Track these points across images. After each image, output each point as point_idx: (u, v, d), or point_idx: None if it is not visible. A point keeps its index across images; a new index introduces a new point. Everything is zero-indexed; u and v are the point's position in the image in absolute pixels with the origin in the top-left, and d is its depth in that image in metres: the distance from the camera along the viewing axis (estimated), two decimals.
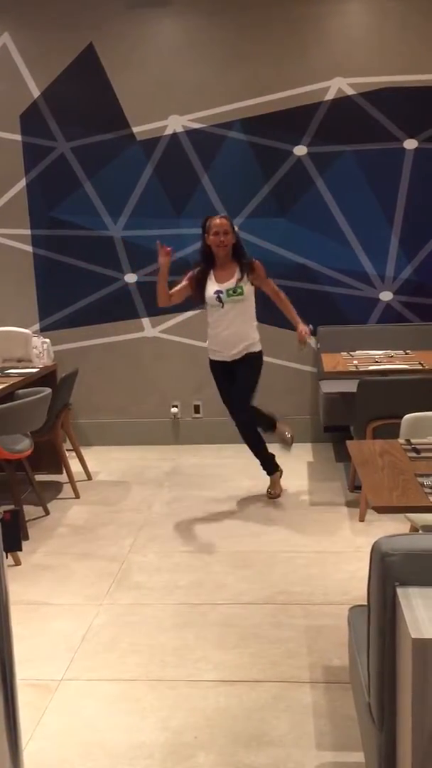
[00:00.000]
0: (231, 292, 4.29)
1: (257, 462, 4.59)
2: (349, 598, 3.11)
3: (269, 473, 4.58)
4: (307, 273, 5.58)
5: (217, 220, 4.29)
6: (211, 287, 4.31)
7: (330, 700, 2.50)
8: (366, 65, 5.31)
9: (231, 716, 2.44)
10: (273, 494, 4.52)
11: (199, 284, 4.36)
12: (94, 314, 5.76)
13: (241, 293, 4.29)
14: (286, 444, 4.62)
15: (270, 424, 4.58)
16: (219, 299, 4.29)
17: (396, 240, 5.49)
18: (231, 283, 4.30)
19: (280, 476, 4.63)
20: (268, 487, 4.56)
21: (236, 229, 4.46)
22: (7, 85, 5.53)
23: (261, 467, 4.58)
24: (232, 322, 4.33)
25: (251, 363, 4.42)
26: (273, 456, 4.60)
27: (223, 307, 4.30)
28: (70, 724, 2.44)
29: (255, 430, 4.51)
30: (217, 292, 4.29)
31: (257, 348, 4.44)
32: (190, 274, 4.44)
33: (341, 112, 5.37)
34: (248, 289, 4.33)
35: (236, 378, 4.42)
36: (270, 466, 4.58)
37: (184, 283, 4.44)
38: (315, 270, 5.58)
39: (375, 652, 1.63)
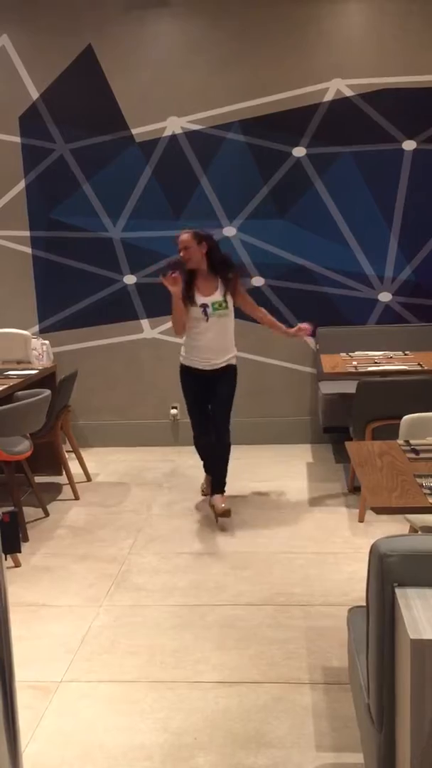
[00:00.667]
0: (217, 306, 4.16)
1: (253, 462, 4.57)
2: (348, 599, 3.12)
3: (221, 491, 4.27)
4: (306, 274, 5.59)
5: (180, 236, 4.16)
6: (198, 299, 4.16)
7: (329, 701, 2.50)
8: (364, 66, 5.32)
9: (230, 717, 2.44)
10: (223, 512, 4.15)
11: (187, 288, 4.16)
12: (94, 316, 5.76)
13: (226, 307, 4.19)
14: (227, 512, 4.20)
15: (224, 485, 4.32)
16: (205, 313, 4.15)
17: (395, 241, 5.49)
18: (216, 296, 4.17)
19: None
20: (223, 504, 4.20)
21: (210, 241, 4.21)
22: (6, 86, 5.54)
23: (216, 484, 4.29)
24: (216, 336, 4.20)
25: (231, 377, 4.29)
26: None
27: (208, 320, 4.17)
28: (69, 725, 2.44)
29: (227, 458, 4.33)
30: (204, 305, 4.15)
31: (235, 361, 4.32)
32: (174, 275, 4.11)
33: (340, 113, 5.38)
34: (231, 303, 4.23)
35: (217, 395, 4.26)
36: (222, 485, 4.30)
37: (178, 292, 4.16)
38: (314, 271, 5.58)
39: (374, 653, 1.63)
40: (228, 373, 4.28)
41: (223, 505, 4.15)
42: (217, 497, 4.22)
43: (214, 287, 4.19)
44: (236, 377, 4.34)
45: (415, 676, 1.42)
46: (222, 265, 4.20)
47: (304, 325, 4.40)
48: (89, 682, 2.68)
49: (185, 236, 4.16)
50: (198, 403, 4.32)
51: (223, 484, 4.29)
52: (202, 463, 4.52)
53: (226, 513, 4.12)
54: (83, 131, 5.55)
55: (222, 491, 4.26)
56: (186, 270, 4.16)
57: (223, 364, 4.25)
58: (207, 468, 4.49)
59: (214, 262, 4.18)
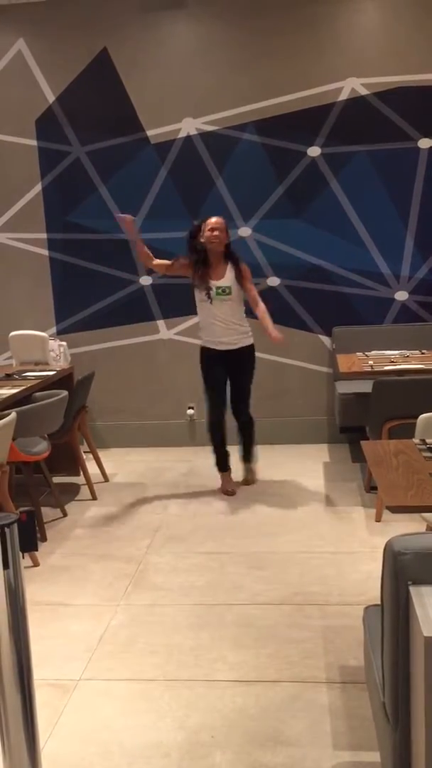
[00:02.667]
0: (219, 291, 4.51)
1: (270, 462, 4.60)
2: (365, 599, 3.11)
3: (250, 458, 4.87)
4: (322, 274, 5.58)
5: (213, 219, 4.52)
6: (204, 282, 4.51)
7: (346, 700, 2.51)
8: (379, 65, 5.31)
9: (247, 716, 2.45)
10: (252, 481, 4.87)
11: (198, 271, 4.51)
12: (110, 317, 5.79)
13: (229, 293, 4.52)
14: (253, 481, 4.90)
15: (253, 453, 4.90)
16: (208, 296, 4.50)
17: (411, 239, 5.48)
18: (222, 282, 4.51)
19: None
20: (249, 474, 4.89)
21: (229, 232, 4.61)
22: (23, 90, 5.59)
23: (248, 455, 4.86)
24: (222, 318, 4.54)
25: (248, 358, 4.64)
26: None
27: (211, 303, 4.51)
28: (87, 723, 2.46)
29: (253, 430, 4.81)
30: (208, 289, 4.50)
31: (250, 340, 4.63)
32: (180, 259, 4.60)
33: (355, 112, 5.37)
34: (236, 289, 4.53)
35: (236, 376, 4.64)
36: (226, 463, 4.80)
37: (169, 262, 4.62)
38: (330, 270, 5.58)
39: (389, 651, 1.63)
40: (243, 355, 4.61)
41: (250, 476, 4.85)
42: (247, 466, 4.86)
43: (223, 273, 4.53)
44: (254, 357, 4.66)
45: (430, 674, 1.42)
46: (233, 254, 4.59)
47: (275, 334, 4.49)
48: (107, 680, 2.70)
49: (221, 219, 4.54)
50: (219, 386, 4.64)
51: (252, 452, 4.84)
52: (214, 458, 4.76)
53: (251, 482, 4.84)
54: (99, 134, 5.59)
55: (250, 459, 4.85)
56: (201, 252, 4.49)
57: (239, 345, 4.58)
58: (218, 461, 4.77)
59: (230, 250, 4.56)
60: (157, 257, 4.66)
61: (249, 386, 4.70)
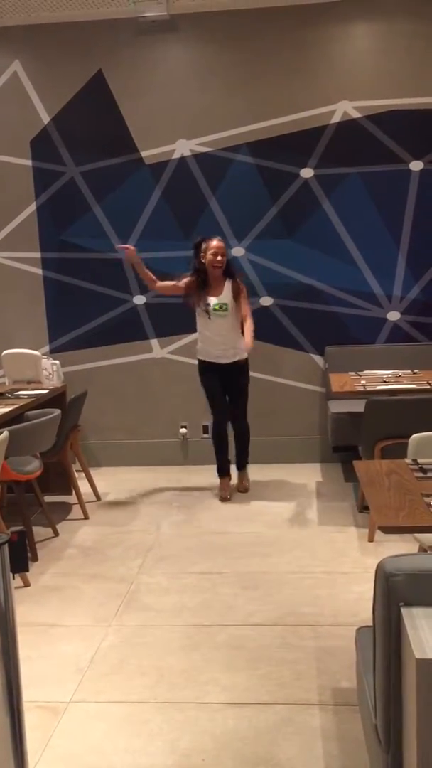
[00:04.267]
0: (217, 307, 4.77)
1: (263, 481, 4.61)
2: (358, 620, 3.10)
3: (245, 468, 5.13)
4: (315, 293, 5.61)
5: (215, 243, 4.77)
6: (204, 299, 4.78)
7: (339, 723, 2.49)
8: (371, 88, 5.38)
9: (239, 739, 2.43)
10: (246, 488, 5.09)
11: (198, 291, 4.79)
12: (104, 336, 5.80)
13: (226, 310, 4.78)
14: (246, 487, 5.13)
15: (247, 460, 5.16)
16: (207, 311, 4.76)
17: (403, 260, 5.52)
18: (219, 299, 4.77)
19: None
20: (244, 480, 5.13)
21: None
22: (18, 111, 5.63)
23: (243, 463, 5.12)
24: (220, 333, 4.79)
25: (243, 371, 4.89)
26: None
27: (210, 318, 4.77)
28: (77, 746, 2.43)
29: (248, 437, 5.08)
30: (206, 305, 4.76)
31: (245, 355, 4.84)
32: (185, 280, 4.85)
33: (347, 134, 5.43)
34: (233, 306, 4.79)
35: (234, 388, 4.91)
36: (227, 469, 5.06)
37: (173, 283, 4.89)
38: (322, 290, 5.61)
39: (381, 673, 1.62)
40: (239, 369, 4.86)
41: (245, 482, 5.08)
42: (241, 473, 5.11)
43: (221, 290, 4.78)
44: (248, 370, 4.93)
45: (422, 696, 1.42)
46: (232, 271, 4.86)
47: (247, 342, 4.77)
48: (98, 702, 2.68)
49: (222, 243, 4.81)
50: (218, 394, 4.89)
51: (246, 460, 5.10)
52: (217, 464, 5.01)
53: (246, 489, 5.08)
54: (94, 154, 5.62)
55: (245, 466, 5.10)
56: (201, 271, 4.76)
57: (236, 359, 4.81)
58: (220, 467, 5.02)
59: (228, 269, 4.82)
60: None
61: (245, 397, 4.95)
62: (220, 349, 4.82)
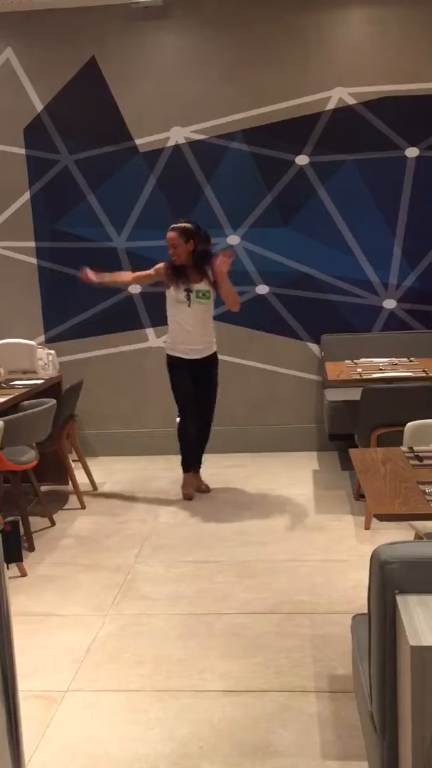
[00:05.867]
0: (200, 294, 4.59)
1: (259, 470, 4.62)
2: (354, 607, 3.11)
3: (198, 468, 4.90)
4: (311, 282, 5.60)
5: (167, 234, 4.59)
6: (183, 284, 4.58)
7: (335, 710, 2.50)
8: (367, 75, 5.34)
9: (236, 726, 2.44)
10: (205, 489, 4.87)
11: (174, 274, 4.59)
12: (99, 325, 5.78)
13: (208, 297, 4.62)
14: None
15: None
16: (188, 297, 4.56)
17: (399, 248, 5.50)
18: (201, 286, 4.59)
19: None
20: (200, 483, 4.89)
21: (198, 238, 4.59)
22: (11, 99, 5.59)
23: (198, 461, 4.89)
24: (195, 321, 4.61)
25: (214, 365, 4.74)
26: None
27: (189, 306, 4.57)
28: (74, 735, 2.44)
29: (208, 437, 4.87)
30: (187, 290, 4.56)
31: (214, 348, 4.74)
32: (159, 265, 4.70)
33: (343, 121, 5.40)
34: (213, 294, 4.65)
35: (205, 382, 4.71)
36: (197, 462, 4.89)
37: (151, 272, 4.75)
38: (318, 278, 5.59)
39: (376, 661, 1.63)
40: (210, 362, 4.71)
41: (203, 485, 4.86)
42: (198, 474, 4.87)
43: (201, 277, 4.59)
44: (217, 364, 4.77)
45: (416, 683, 1.42)
46: (205, 259, 4.59)
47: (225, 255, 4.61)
48: (95, 691, 2.68)
49: (172, 234, 4.56)
50: (187, 392, 4.69)
51: (201, 458, 4.89)
52: (181, 458, 4.83)
53: (205, 488, 4.85)
54: (87, 142, 5.59)
55: (198, 468, 4.87)
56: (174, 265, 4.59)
57: (206, 354, 4.67)
58: (186, 461, 4.83)
59: (197, 258, 4.57)
60: (145, 266, 4.73)
61: (214, 393, 4.78)
62: (191, 341, 4.60)
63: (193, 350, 4.64)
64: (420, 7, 5.25)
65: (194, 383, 4.67)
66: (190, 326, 4.60)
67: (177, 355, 4.66)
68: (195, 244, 4.55)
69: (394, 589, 1.56)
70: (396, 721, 1.59)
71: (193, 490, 4.79)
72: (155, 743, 2.37)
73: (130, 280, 4.96)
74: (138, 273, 4.90)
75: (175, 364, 4.68)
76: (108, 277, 4.86)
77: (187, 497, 4.73)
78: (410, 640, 1.42)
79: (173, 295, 4.60)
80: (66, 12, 5.43)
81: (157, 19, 5.41)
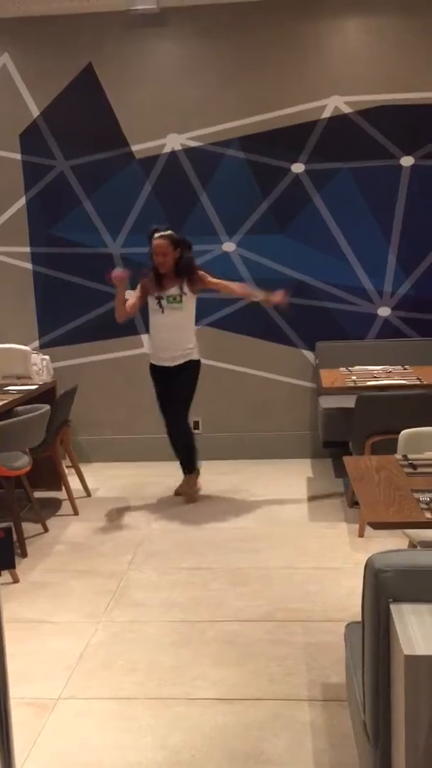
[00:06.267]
0: (171, 299, 4.59)
1: (253, 477, 4.62)
2: (348, 615, 3.10)
3: (188, 471, 4.88)
4: (306, 289, 5.60)
5: (156, 241, 4.57)
6: (156, 292, 4.62)
7: (328, 718, 2.49)
8: (362, 83, 5.37)
9: (229, 734, 2.43)
10: (186, 492, 4.84)
11: (149, 287, 4.65)
12: (94, 331, 5.78)
13: (180, 302, 4.60)
14: (190, 496, 4.85)
15: (192, 466, 4.90)
16: (159, 304, 4.59)
17: (393, 256, 5.52)
18: (172, 291, 4.59)
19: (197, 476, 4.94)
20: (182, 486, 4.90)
21: (184, 246, 4.64)
22: (7, 104, 5.59)
23: (183, 467, 4.89)
24: (170, 328, 4.62)
25: (190, 372, 4.69)
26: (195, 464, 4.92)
27: (162, 312, 4.60)
28: (66, 743, 2.42)
29: (187, 442, 4.83)
30: (158, 297, 4.59)
31: (196, 356, 4.71)
32: (141, 282, 4.72)
33: (338, 129, 5.42)
34: (188, 299, 4.62)
35: (176, 388, 4.68)
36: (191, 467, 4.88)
37: (138, 293, 4.73)
38: (313, 286, 5.60)
39: (369, 669, 1.62)
40: (187, 369, 4.67)
41: (189, 490, 4.82)
42: (184, 480, 4.87)
43: (175, 283, 4.60)
44: (197, 372, 4.73)
45: (410, 692, 1.41)
46: (186, 270, 4.62)
47: (277, 298, 4.72)
48: (87, 699, 2.67)
49: (162, 242, 4.56)
50: (165, 401, 4.74)
51: (190, 466, 4.85)
52: (179, 462, 4.89)
53: (184, 493, 4.83)
54: (83, 148, 5.59)
55: (189, 471, 4.85)
56: (153, 267, 4.61)
57: (183, 360, 4.64)
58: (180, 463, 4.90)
59: (180, 267, 4.60)
60: (139, 272, 4.77)
61: (185, 402, 4.73)
62: (166, 347, 4.62)
63: (163, 358, 4.66)
64: (416, 17, 5.28)
65: (168, 391, 4.70)
66: (163, 333, 4.63)
67: (151, 361, 4.76)
68: (181, 252, 4.60)
69: (388, 597, 1.56)
70: (389, 730, 1.58)
71: (183, 491, 4.88)
72: (147, 751, 2.36)
73: (129, 311, 4.74)
74: (132, 303, 4.71)
75: (152, 372, 4.76)
76: (122, 298, 4.70)
77: (177, 493, 4.88)
78: (404, 649, 1.42)
79: (149, 302, 4.66)
80: (63, 18, 5.44)
81: (154, 26, 5.43)
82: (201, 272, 4.70)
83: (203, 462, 5.11)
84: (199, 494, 4.89)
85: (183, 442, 4.82)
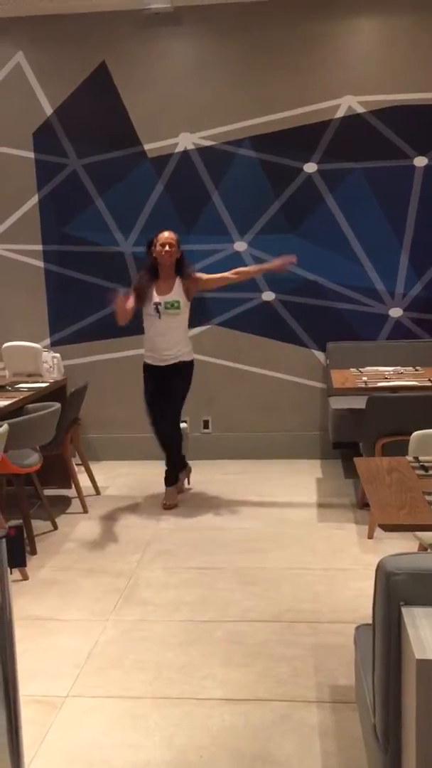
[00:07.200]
0: (168, 305, 4.58)
1: (263, 477, 4.60)
2: (357, 616, 3.09)
3: (169, 483, 4.80)
4: (317, 289, 5.59)
5: (165, 234, 4.60)
6: (154, 297, 4.59)
7: (336, 720, 2.48)
8: (376, 83, 5.35)
9: (236, 735, 2.42)
10: (168, 505, 4.72)
11: (142, 293, 4.62)
12: (104, 329, 5.78)
13: (178, 307, 4.59)
14: (173, 496, 4.81)
15: (181, 466, 4.89)
16: (157, 310, 4.58)
17: (406, 256, 5.49)
18: (169, 297, 4.58)
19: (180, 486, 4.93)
20: (165, 499, 4.77)
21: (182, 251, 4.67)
22: (21, 103, 5.60)
23: (165, 475, 4.82)
24: (166, 332, 4.62)
25: (183, 373, 4.69)
26: (185, 468, 4.94)
27: (160, 318, 4.59)
28: (74, 741, 2.43)
29: (175, 442, 4.81)
30: (156, 304, 4.57)
31: (189, 357, 4.71)
32: (134, 285, 4.73)
33: (351, 129, 5.40)
34: (184, 303, 4.62)
35: (169, 389, 4.69)
36: (173, 478, 4.83)
37: (138, 285, 4.70)
38: (325, 286, 5.59)
39: (380, 673, 1.61)
40: (179, 370, 4.66)
41: (173, 501, 4.74)
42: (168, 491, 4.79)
43: (171, 287, 4.60)
44: (190, 373, 4.72)
45: (421, 697, 1.41)
46: (184, 268, 4.65)
47: (280, 263, 4.76)
48: (95, 697, 2.67)
49: (173, 234, 4.61)
50: (153, 399, 4.71)
51: (174, 476, 4.81)
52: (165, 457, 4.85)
53: (172, 507, 4.71)
54: (96, 147, 5.60)
55: (173, 482, 4.80)
56: (152, 267, 4.61)
57: (174, 361, 4.64)
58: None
59: (180, 265, 4.63)
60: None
61: (178, 402, 4.72)
62: (159, 349, 4.63)
63: (156, 358, 4.66)
64: (429, 16, 5.25)
65: (159, 390, 4.69)
66: (159, 336, 4.63)
67: (145, 360, 4.74)
68: (181, 253, 4.65)
69: (399, 600, 1.55)
70: (400, 733, 1.58)
71: (171, 499, 4.78)
72: (155, 751, 2.36)
73: (129, 315, 4.61)
74: (130, 307, 4.58)
75: (145, 371, 4.75)
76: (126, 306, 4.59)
77: (167, 507, 4.72)
78: (416, 653, 1.41)
79: (145, 308, 4.64)
80: (77, 17, 5.45)
81: (168, 26, 5.42)
82: (195, 274, 4.71)
83: (212, 461, 5.11)
84: (183, 487, 4.97)
85: (170, 447, 4.78)
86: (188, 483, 5.07)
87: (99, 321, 5.78)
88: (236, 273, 4.81)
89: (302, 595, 3.41)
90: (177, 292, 4.60)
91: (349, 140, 5.41)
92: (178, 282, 4.62)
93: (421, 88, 5.31)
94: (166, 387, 4.69)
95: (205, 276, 4.75)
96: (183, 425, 5.75)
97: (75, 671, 2.83)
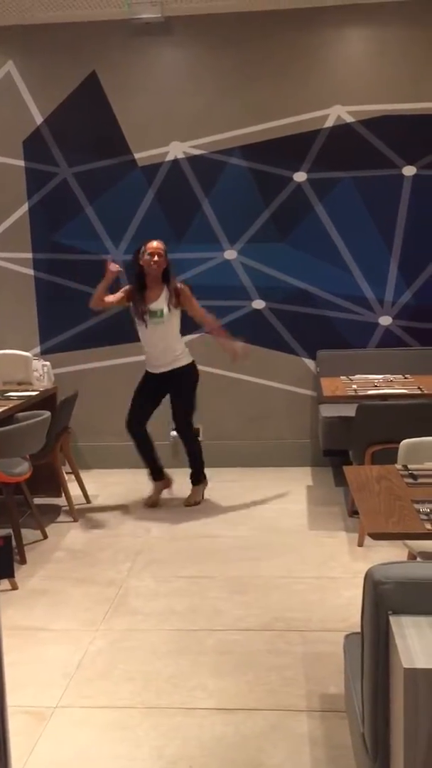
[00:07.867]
0: (152, 314, 4.66)
1: (253, 485, 4.60)
2: (347, 625, 3.09)
3: (196, 482, 4.96)
4: (307, 297, 5.61)
5: (153, 243, 4.66)
6: (139, 307, 4.70)
7: (326, 729, 2.48)
8: (365, 93, 5.38)
9: (226, 745, 2.41)
10: (194, 502, 4.89)
11: (133, 300, 4.75)
12: (95, 337, 5.78)
13: (161, 316, 4.65)
14: (152, 501, 4.93)
15: (158, 472, 4.98)
16: (143, 319, 4.68)
17: (395, 265, 5.52)
18: (154, 305, 4.66)
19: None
20: (190, 497, 4.93)
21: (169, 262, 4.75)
22: (11, 111, 5.61)
23: (192, 475, 4.96)
24: (156, 341, 4.72)
25: (181, 380, 4.77)
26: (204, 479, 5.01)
27: (146, 327, 4.69)
28: (63, 752, 2.41)
29: (196, 442, 4.96)
30: (143, 312, 4.67)
31: (185, 361, 4.77)
32: (126, 287, 4.84)
33: (340, 139, 5.43)
34: (170, 315, 4.67)
35: (173, 397, 4.81)
36: (200, 476, 4.97)
37: (120, 294, 4.82)
38: (314, 294, 5.61)
39: (368, 682, 1.62)
40: (177, 377, 4.75)
41: (196, 499, 4.90)
42: (193, 489, 4.93)
43: (157, 295, 4.67)
44: (190, 377, 4.79)
45: (409, 706, 1.41)
46: (170, 278, 4.70)
47: (238, 345, 4.84)
48: (84, 708, 2.66)
49: (161, 244, 4.68)
50: (141, 399, 4.83)
51: (197, 477, 4.94)
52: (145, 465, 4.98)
53: (197, 503, 4.87)
54: (86, 155, 5.61)
55: (197, 482, 4.94)
56: (139, 276, 4.69)
57: (169, 368, 4.73)
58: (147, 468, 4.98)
59: (165, 275, 4.68)
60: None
61: (185, 407, 4.82)
62: (155, 357, 4.75)
63: (154, 365, 4.78)
64: (419, 27, 5.30)
65: (156, 395, 4.83)
66: (150, 345, 4.75)
67: (146, 367, 4.87)
68: (168, 264, 4.70)
69: (387, 609, 1.56)
70: (388, 742, 1.58)
71: (154, 498, 4.92)
72: (144, 761, 2.35)
73: (105, 304, 4.85)
74: (111, 300, 4.82)
75: (144, 375, 4.87)
76: (105, 286, 4.77)
77: (146, 504, 4.88)
78: (403, 662, 1.42)
79: (135, 317, 4.75)
80: (67, 26, 5.47)
81: (158, 35, 5.45)
82: (183, 286, 4.74)
83: (205, 469, 5.08)
84: (198, 502, 4.93)
85: (190, 453, 4.94)
86: (171, 492, 5.04)
87: (89, 329, 5.78)
88: (214, 324, 4.92)
89: (292, 603, 3.41)
90: (163, 300, 4.65)
91: (338, 150, 5.44)
92: (165, 291, 4.67)
93: (409, 98, 5.36)
94: (162, 394, 4.82)
95: (192, 302, 4.74)
96: (173, 433, 5.76)
97: (64, 681, 2.82)
